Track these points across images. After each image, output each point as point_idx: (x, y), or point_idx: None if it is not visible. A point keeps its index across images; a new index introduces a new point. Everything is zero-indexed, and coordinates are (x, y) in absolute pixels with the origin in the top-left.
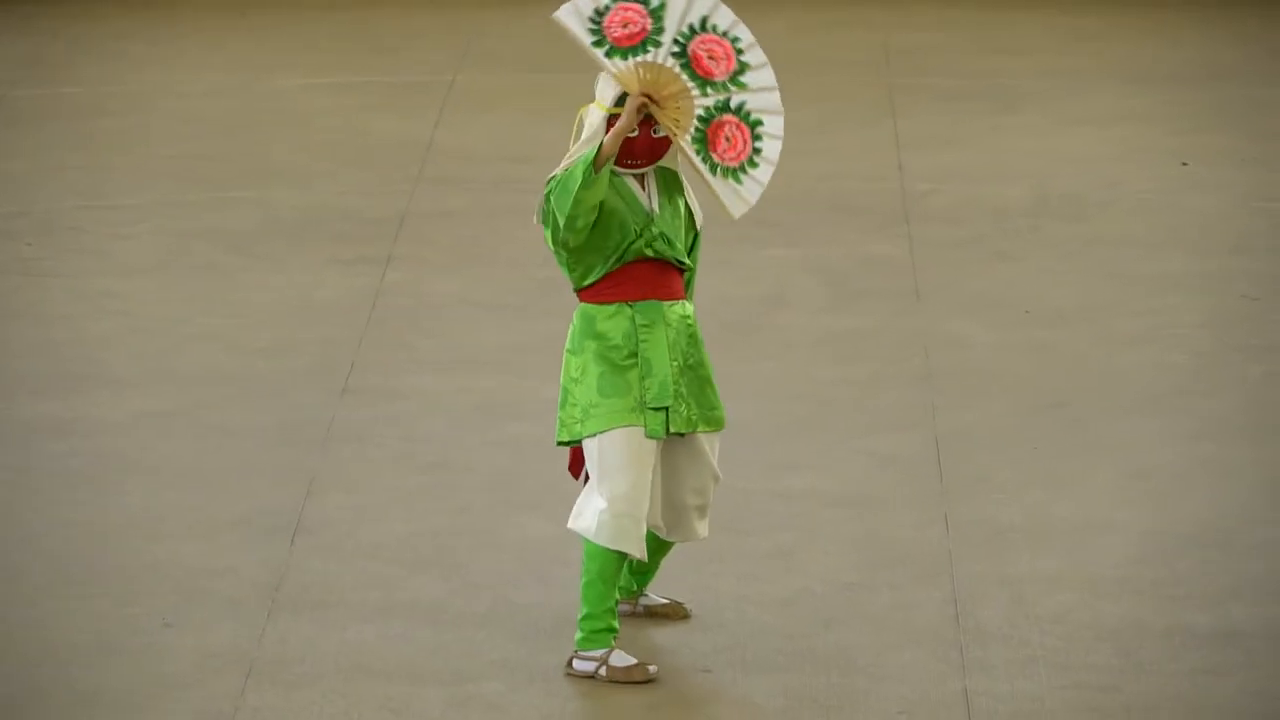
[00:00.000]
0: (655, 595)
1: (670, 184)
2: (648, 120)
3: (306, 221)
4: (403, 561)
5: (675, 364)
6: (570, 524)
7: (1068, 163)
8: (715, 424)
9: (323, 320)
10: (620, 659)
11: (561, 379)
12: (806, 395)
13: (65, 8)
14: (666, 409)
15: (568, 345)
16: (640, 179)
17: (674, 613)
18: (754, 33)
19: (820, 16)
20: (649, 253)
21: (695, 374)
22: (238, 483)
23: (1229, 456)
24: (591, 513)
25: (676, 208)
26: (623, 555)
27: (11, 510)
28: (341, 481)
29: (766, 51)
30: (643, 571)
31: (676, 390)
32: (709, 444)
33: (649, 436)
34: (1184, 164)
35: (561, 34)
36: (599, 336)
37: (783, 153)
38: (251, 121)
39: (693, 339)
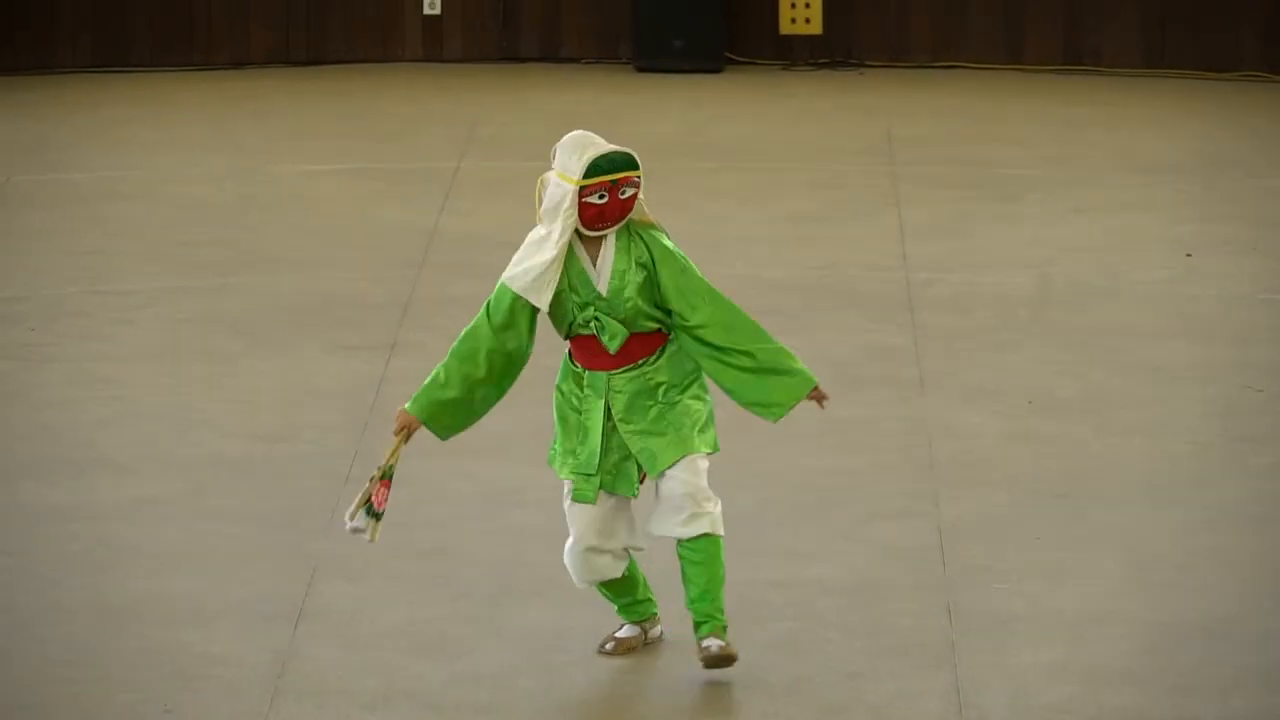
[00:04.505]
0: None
1: (633, 241)
2: (616, 185)
3: (310, 308)
4: (404, 649)
5: (609, 433)
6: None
7: (1070, 252)
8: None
9: (326, 407)
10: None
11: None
12: (809, 484)
13: (70, 94)
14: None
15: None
16: (598, 243)
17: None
18: (758, 121)
19: (824, 105)
20: (584, 332)
21: (642, 425)
22: (240, 569)
23: (1232, 547)
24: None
25: (634, 269)
26: (608, 589)
27: (10, 595)
28: (344, 568)
29: (774, 139)
30: (623, 595)
31: (604, 461)
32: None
33: (575, 500)
34: (1188, 255)
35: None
36: (561, 391)
37: (787, 240)
38: (256, 207)
39: (650, 393)
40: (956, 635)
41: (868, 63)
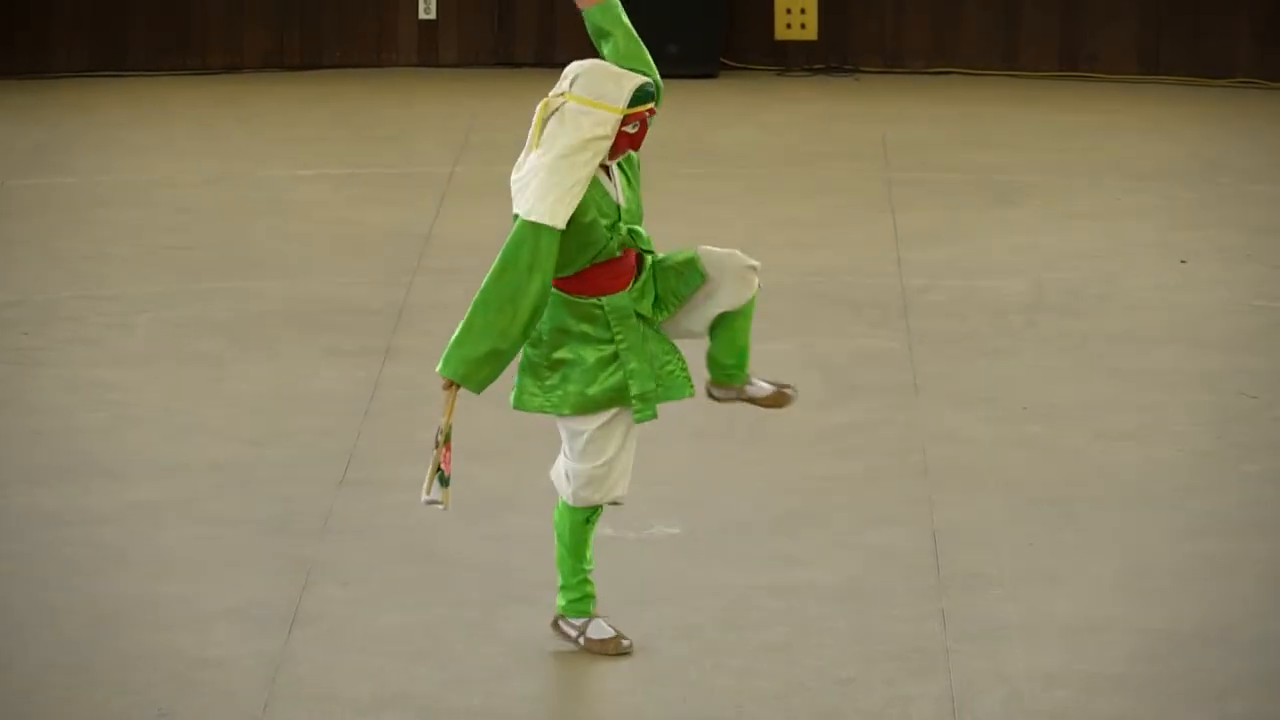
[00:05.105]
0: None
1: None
2: (649, 114)
3: (304, 313)
4: (398, 653)
5: (650, 345)
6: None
7: (1065, 258)
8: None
9: (320, 411)
10: (599, 630)
11: (525, 351)
12: (803, 489)
13: (63, 98)
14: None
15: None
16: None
17: (776, 399)
18: (754, 126)
19: (819, 111)
20: (617, 254)
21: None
22: (234, 573)
23: (1226, 553)
24: (567, 480)
25: (629, 175)
26: (590, 522)
27: (4, 599)
28: (338, 573)
29: (769, 145)
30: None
31: (655, 368)
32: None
33: (639, 420)
34: (1182, 262)
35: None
36: (570, 331)
37: (782, 245)
38: (249, 212)
39: (658, 273)
40: (950, 641)
41: (863, 68)
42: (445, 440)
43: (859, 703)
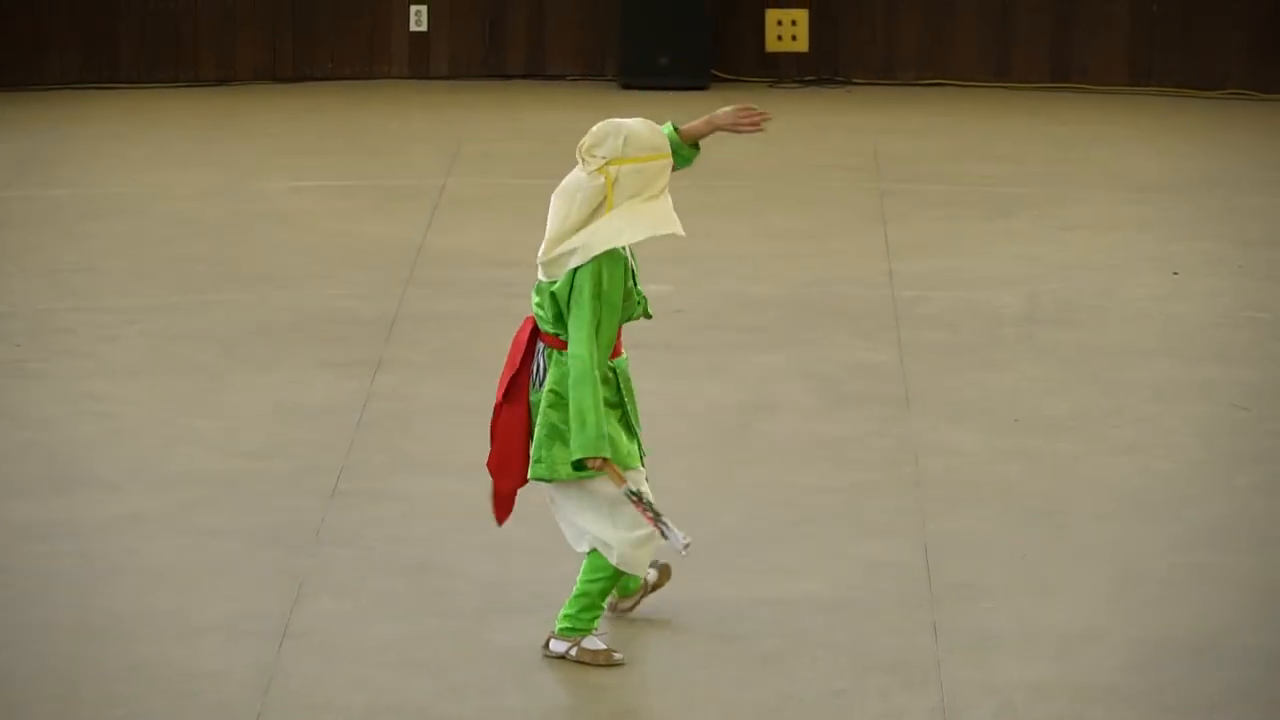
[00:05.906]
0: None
1: None
2: None
3: (297, 324)
4: (390, 664)
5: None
6: (609, 555)
7: (1058, 270)
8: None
9: (313, 423)
10: (591, 642)
11: (549, 418)
12: (795, 501)
13: (55, 110)
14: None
15: (557, 388)
16: None
17: (663, 576)
18: (745, 138)
19: (811, 122)
20: (639, 315)
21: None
22: (226, 585)
23: (1218, 565)
24: (616, 542)
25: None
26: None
27: None
28: (330, 584)
29: (761, 156)
30: None
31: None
32: None
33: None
34: (1175, 273)
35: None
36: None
37: (774, 257)
38: (242, 224)
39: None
40: (942, 652)
41: (854, 80)
42: (639, 497)
43: (851, 714)
